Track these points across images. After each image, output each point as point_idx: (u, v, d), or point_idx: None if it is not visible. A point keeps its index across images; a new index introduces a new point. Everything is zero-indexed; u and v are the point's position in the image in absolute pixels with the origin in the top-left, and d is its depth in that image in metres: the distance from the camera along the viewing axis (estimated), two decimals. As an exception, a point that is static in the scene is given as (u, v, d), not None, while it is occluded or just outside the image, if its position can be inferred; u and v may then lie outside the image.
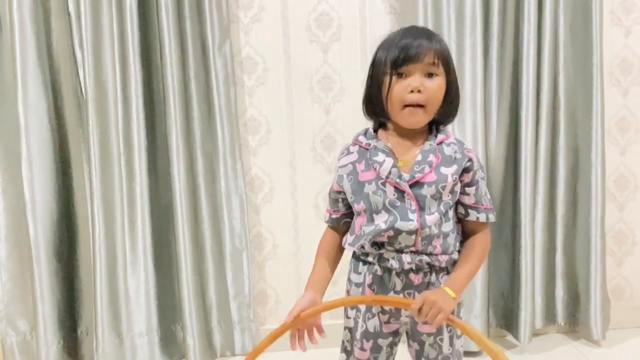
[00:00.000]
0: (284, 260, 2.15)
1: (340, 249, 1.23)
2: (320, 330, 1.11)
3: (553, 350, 2.07)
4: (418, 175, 1.08)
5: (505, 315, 2.15)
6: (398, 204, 1.08)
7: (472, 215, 1.15)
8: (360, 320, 1.19)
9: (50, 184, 1.94)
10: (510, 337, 2.15)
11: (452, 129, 2.00)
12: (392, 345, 1.22)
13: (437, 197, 1.09)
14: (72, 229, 2.02)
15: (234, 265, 2.07)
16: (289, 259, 2.16)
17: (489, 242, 1.19)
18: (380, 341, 1.19)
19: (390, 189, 1.09)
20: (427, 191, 1.08)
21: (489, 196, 1.18)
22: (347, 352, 1.24)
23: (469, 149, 1.15)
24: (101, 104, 1.91)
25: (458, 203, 1.15)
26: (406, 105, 1.07)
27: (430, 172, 1.08)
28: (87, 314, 2.05)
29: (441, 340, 1.18)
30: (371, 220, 1.11)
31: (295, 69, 2.07)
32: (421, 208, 1.08)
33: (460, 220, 1.18)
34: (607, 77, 2.10)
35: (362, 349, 1.19)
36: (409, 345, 1.22)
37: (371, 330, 1.18)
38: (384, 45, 1.11)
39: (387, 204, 1.09)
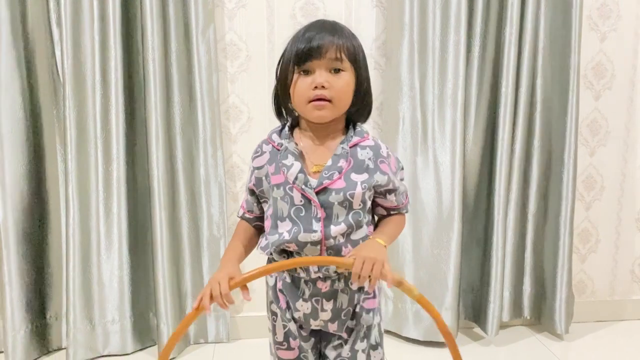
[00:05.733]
0: (260, 250, 2.14)
1: (254, 239, 1.17)
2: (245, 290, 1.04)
3: (518, 342, 2.14)
4: (326, 182, 1.03)
5: (474, 308, 2.21)
6: (303, 212, 1.04)
7: (393, 214, 1.15)
8: (277, 324, 1.15)
9: (21, 165, 1.89)
10: (478, 329, 2.22)
11: (432, 125, 2.03)
12: (316, 346, 1.18)
13: (346, 205, 1.04)
14: (43, 211, 1.97)
15: (211, 253, 2.05)
16: (265, 248, 2.15)
17: (404, 224, 1.17)
18: (304, 344, 1.16)
19: (297, 195, 1.04)
20: (334, 198, 1.03)
21: (405, 188, 1.15)
22: (273, 355, 1.19)
23: (383, 157, 1.08)
24: (79, 85, 1.85)
25: (377, 205, 1.13)
26: (311, 101, 1.03)
27: (339, 178, 1.04)
28: (57, 298, 2.01)
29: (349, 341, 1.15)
30: (275, 227, 1.07)
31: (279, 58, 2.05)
32: (327, 217, 1.04)
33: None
34: (581, 80, 2.15)
35: (289, 348, 1.16)
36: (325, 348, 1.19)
37: (294, 331, 1.15)
38: (290, 41, 1.07)
39: (292, 213, 1.04)
